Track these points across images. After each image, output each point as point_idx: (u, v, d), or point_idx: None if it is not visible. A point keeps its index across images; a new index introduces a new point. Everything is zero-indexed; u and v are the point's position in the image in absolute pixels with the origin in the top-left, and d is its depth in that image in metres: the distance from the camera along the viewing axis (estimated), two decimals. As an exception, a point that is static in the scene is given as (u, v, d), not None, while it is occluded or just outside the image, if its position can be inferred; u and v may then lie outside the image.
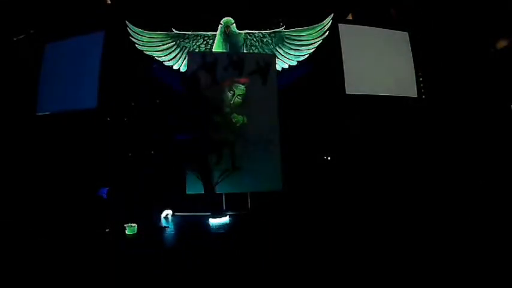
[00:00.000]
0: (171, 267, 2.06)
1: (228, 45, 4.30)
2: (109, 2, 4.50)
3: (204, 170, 3.31)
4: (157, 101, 4.19)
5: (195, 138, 3.23)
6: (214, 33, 4.32)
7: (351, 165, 4.12)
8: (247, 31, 4.36)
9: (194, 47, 4.34)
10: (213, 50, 4.29)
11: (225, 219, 3.30)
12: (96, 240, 2.64)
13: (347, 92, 4.36)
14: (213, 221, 3.23)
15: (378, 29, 4.66)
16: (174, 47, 4.35)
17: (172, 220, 3.36)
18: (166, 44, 4.34)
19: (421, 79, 4.63)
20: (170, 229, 3.12)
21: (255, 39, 4.38)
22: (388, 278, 1.76)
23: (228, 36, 4.28)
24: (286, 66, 4.43)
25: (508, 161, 3.74)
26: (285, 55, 4.41)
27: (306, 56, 4.42)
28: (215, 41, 4.31)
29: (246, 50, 4.35)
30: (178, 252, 2.51)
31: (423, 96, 4.62)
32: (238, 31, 4.31)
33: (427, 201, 3.43)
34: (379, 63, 4.56)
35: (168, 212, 3.34)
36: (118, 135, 4.15)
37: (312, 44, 4.41)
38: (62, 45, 4.45)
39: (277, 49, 4.40)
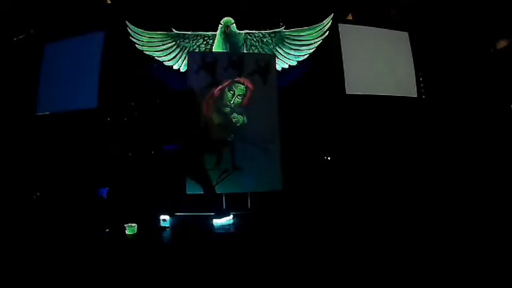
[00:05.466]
0: (171, 268, 2.06)
1: (228, 45, 4.30)
2: (109, 2, 4.51)
3: (200, 173, 3.30)
4: (157, 101, 4.19)
5: (184, 144, 3.23)
6: (214, 33, 4.32)
7: (351, 165, 4.12)
8: (247, 31, 4.36)
9: (194, 47, 4.34)
10: (213, 50, 4.29)
11: (229, 219, 3.29)
12: (96, 240, 2.64)
13: (347, 92, 4.36)
14: (217, 221, 3.22)
15: (378, 29, 4.66)
16: (174, 47, 4.35)
17: (171, 221, 3.36)
18: (166, 44, 4.34)
19: (421, 79, 4.63)
20: (169, 229, 3.12)
21: (255, 39, 4.38)
22: (388, 278, 1.76)
23: (228, 36, 4.28)
24: (286, 66, 4.43)
25: (508, 161, 3.74)
26: (285, 55, 4.42)
27: (306, 56, 4.43)
28: (215, 41, 4.31)
29: (246, 50, 4.35)
30: (179, 253, 2.51)
31: (423, 96, 4.62)
32: (238, 31, 4.31)
33: (427, 201, 3.43)
34: (379, 63, 4.56)
35: (164, 217, 3.35)
36: (118, 135, 4.15)
37: (312, 44, 4.41)
38: (61, 45, 4.45)
39: (277, 49, 4.40)
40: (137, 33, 4.29)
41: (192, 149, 3.27)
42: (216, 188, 3.50)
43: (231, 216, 3.33)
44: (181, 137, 3.28)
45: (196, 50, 4.32)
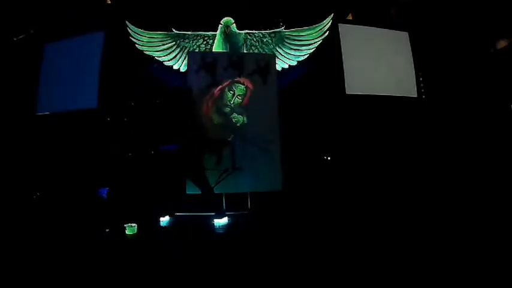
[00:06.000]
0: (171, 268, 2.06)
1: (228, 45, 4.30)
2: (109, 2, 4.50)
3: (198, 173, 3.31)
4: (157, 101, 4.19)
5: (181, 145, 3.24)
6: (214, 33, 4.31)
7: (351, 165, 4.12)
8: (247, 31, 4.36)
9: (194, 47, 4.34)
10: (213, 50, 4.29)
11: (225, 220, 3.31)
12: (96, 240, 2.64)
13: (347, 92, 4.36)
14: (218, 221, 3.24)
15: (378, 29, 4.66)
16: (174, 47, 4.35)
17: (168, 221, 3.37)
18: (166, 44, 4.34)
19: (421, 79, 4.63)
20: (165, 229, 3.13)
21: (255, 39, 4.38)
22: (388, 278, 1.76)
23: (228, 36, 4.28)
24: (286, 66, 4.43)
25: (508, 161, 3.74)
26: (285, 55, 4.41)
27: (306, 56, 4.42)
28: (215, 41, 4.31)
29: (246, 50, 4.34)
30: (179, 253, 2.51)
31: (423, 96, 4.62)
32: (238, 31, 4.31)
33: (427, 201, 3.43)
34: (379, 63, 4.55)
35: (165, 218, 3.37)
36: (118, 135, 4.15)
37: (312, 44, 4.41)
38: (61, 45, 4.45)
39: (277, 49, 4.40)
40: (137, 33, 4.29)
41: (191, 149, 3.28)
42: (216, 188, 3.50)
43: (226, 218, 3.35)
44: (181, 137, 3.28)
45: (196, 50, 4.32)
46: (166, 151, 3.34)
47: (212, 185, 3.45)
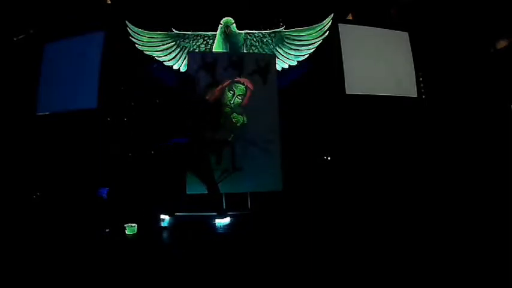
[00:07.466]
0: (171, 268, 2.06)
1: (228, 45, 4.30)
2: (109, 2, 4.51)
3: (205, 170, 3.32)
4: (157, 101, 4.19)
5: (192, 139, 3.25)
6: (214, 33, 4.31)
7: (351, 165, 4.12)
8: (247, 31, 4.36)
9: (194, 47, 4.34)
10: (213, 50, 4.29)
11: (227, 220, 3.32)
12: (96, 240, 2.64)
13: (347, 92, 4.36)
14: (219, 221, 3.24)
15: (378, 29, 4.66)
16: (174, 47, 4.35)
17: (169, 221, 3.37)
18: (166, 44, 4.34)
19: (421, 79, 4.64)
20: (167, 230, 3.13)
21: (255, 39, 4.38)
22: (388, 278, 1.76)
23: (228, 36, 4.28)
24: (286, 66, 4.43)
25: (508, 160, 3.74)
26: (285, 55, 4.41)
27: (306, 56, 4.42)
28: (215, 41, 4.31)
29: (246, 50, 4.34)
30: (179, 253, 2.51)
31: (423, 96, 4.62)
32: (238, 31, 4.31)
33: (427, 201, 3.43)
34: (379, 63, 4.56)
35: (164, 217, 3.37)
36: (118, 135, 4.15)
37: (312, 44, 4.41)
38: (61, 45, 4.45)
39: (277, 49, 4.40)
40: (137, 33, 4.29)
41: (191, 149, 3.28)
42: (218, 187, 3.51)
43: (228, 218, 3.35)
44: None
45: (196, 50, 4.32)
46: (177, 144, 3.32)
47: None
